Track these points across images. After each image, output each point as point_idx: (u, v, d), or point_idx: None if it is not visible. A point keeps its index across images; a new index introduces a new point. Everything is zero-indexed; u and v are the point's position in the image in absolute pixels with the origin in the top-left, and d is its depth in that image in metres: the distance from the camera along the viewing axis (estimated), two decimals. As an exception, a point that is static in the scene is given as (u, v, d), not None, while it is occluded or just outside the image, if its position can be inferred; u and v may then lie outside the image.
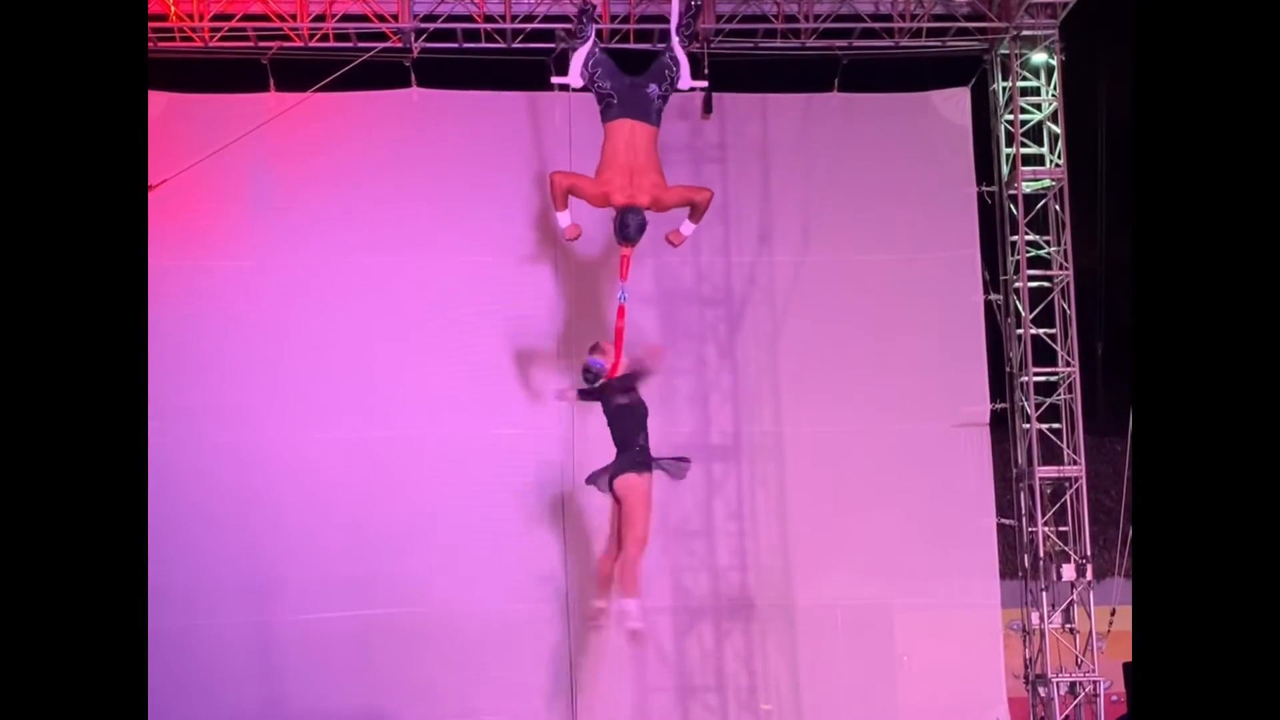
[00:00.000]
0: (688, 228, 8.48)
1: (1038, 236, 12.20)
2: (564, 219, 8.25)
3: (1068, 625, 11.88)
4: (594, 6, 8.14)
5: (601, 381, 8.70)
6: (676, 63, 8.08)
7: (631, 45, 11.68)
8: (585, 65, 8.04)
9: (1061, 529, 11.94)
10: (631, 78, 8.06)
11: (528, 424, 11.56)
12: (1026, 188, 12.16)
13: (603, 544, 8.63)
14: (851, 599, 11.75)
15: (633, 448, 8.51)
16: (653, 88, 8.02)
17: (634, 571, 8.40)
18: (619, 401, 8.57)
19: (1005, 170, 12.30)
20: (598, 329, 11.40)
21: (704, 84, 8.62)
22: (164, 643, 10.21)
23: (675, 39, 8.12)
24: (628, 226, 8.02)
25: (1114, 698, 12.07)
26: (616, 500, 8.49)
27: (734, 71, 12.06)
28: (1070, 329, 12.07)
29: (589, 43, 8.05)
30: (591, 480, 8.76)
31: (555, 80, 8.39)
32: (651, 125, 8.02)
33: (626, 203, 7.99)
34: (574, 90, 8.47)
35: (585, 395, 8.94)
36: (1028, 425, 12.02)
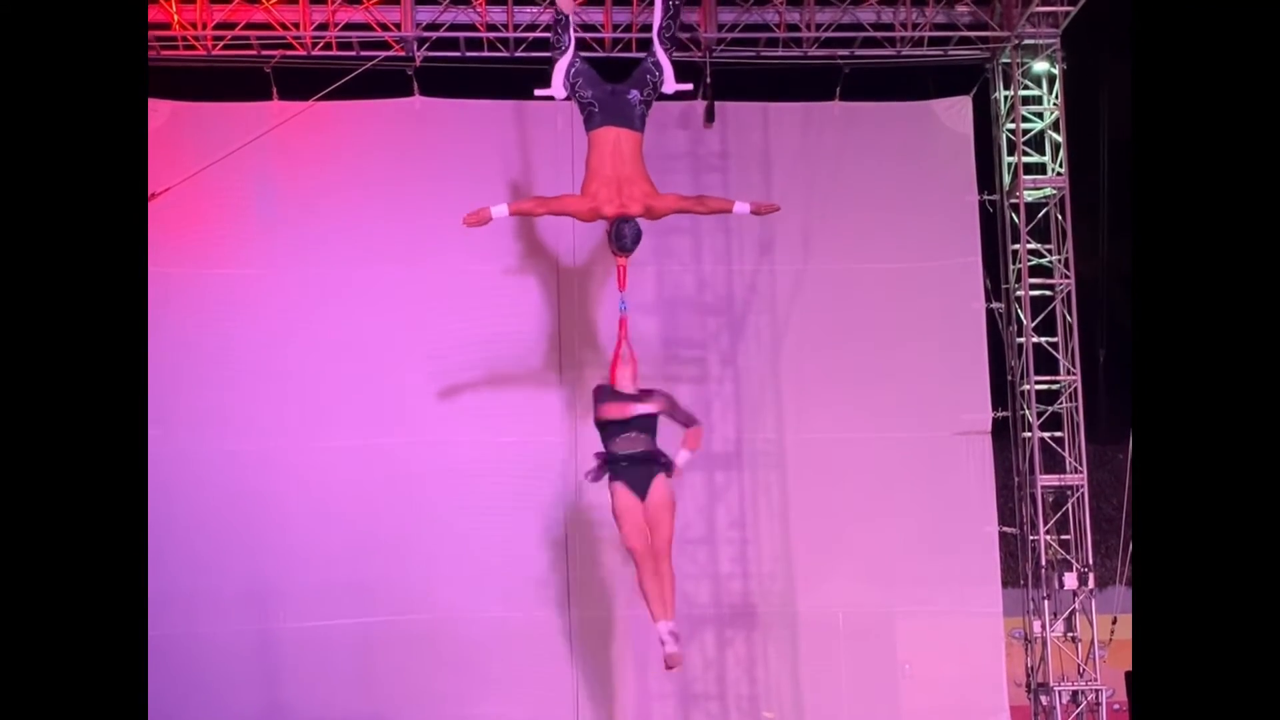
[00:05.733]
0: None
1: (1039, 245, 12.21)
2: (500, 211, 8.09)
3: (1070, 634, 11.88)
4: (567, 16, 8.12)
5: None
6: (659, 67, 8.06)
7: (634, 54, 11.70)
8: (567, 76, 8.05)
9: (1063, 537, 11.94)
10: (613, 85, 8.05)
11: (529, 432, 11.58)
12: (1028, 196, 12.18)
13: (641, 567, 8.33)
14: (853, 607, 11.76)
15: (647, 453, 8.34)
16: (634, 93, 8.00)
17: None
18: (641, 410, 8.36)
19: (1007, 179, 12.31)
20: (595, 336, 11.44)
21: (689, 86, 8.58)
22: (166, 650, 10.24)
23: (657, 44, 8.12)
24: (624, 237, 7.96)
25: (1116, 706, 12.06)
26: (644, 507, 8.23)
27: (736, 80, 12.09)
28: (1072, 337, 12.08)
29: (569, 53, 8.06)
30: (599, 477, 8.46)
31: (539, 92, 8.37)
32: (636, 131, 7.98)
33: (618, 213, 7.96)
34: (558, 100, 8.42)
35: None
36: (1029, 433, 12.02)
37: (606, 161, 7.95)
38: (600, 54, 11.67)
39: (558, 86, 8.12)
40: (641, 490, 8.13)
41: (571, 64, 8.07)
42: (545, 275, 11.87)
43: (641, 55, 8.39)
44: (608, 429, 8.28)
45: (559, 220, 10.89)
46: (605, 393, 8.38)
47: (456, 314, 11.71)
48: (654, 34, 8.18)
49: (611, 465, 8.23)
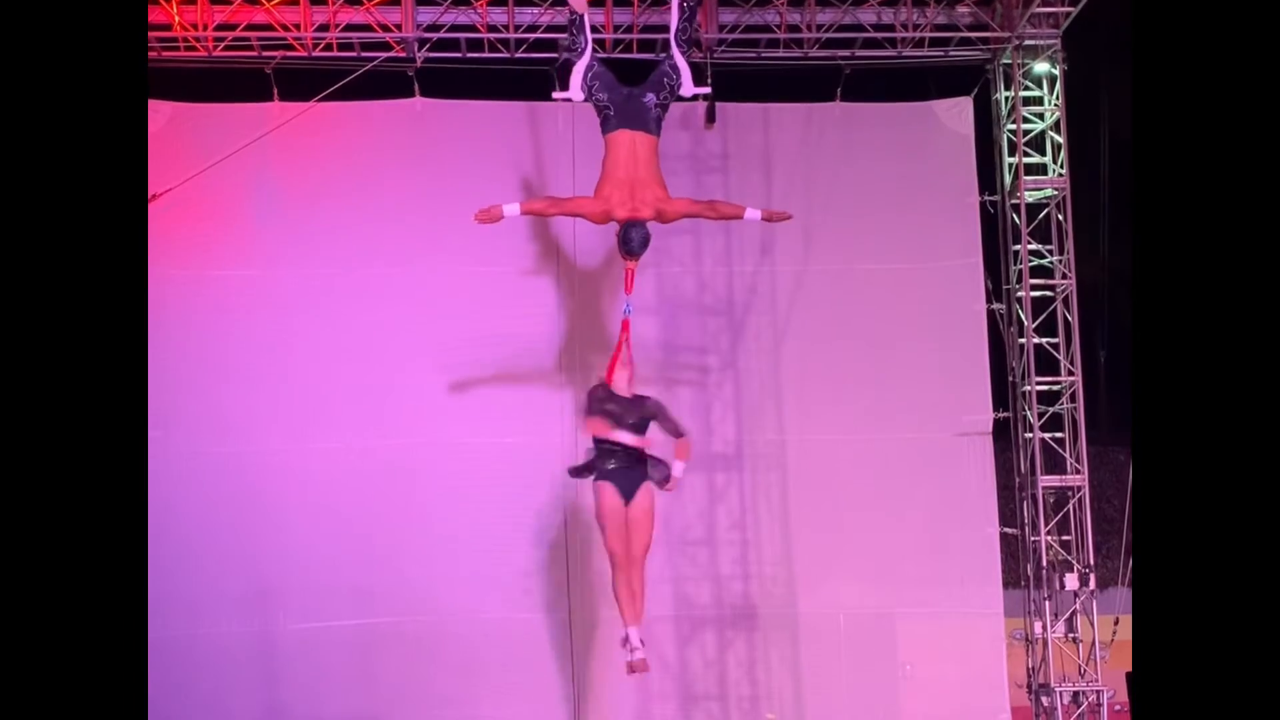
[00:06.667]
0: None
1: (1040, 246, 12.20)
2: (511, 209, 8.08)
3: (1071, 634, 11.88)
4: (581, 16, 8.10)
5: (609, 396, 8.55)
6: (677, 70, 8.06)
7: (635, 55, 11.70)
8: (584, 78, 8.04)
9: (1064, 538, 11.94)
10: (629, 88, 8.04)
11: (530, 433, 11.57)
12: (1029, 197, 12.17)
13: (616, 571, 8.46)
14: (854, 608, 11.75)
15: (638, 455, 8.38)
16: (650, 97, 8.00)
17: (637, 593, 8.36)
18: (625, 439, 8.42)
19: (1008, 179, 12.31)
20: (599, 339, 11.44)
21: (707, 90, 8.57)
22: (166, 652, 10.25)
23: (675, 47, 8.11)
24: (631, 240, 7.97)
25: (1117, 707, 12.06)
26: (628, 511, 8.34)
27: (736, 81, 12.08)
28: (1073, 338, 12.07)
29: (586, 55, 8.06)
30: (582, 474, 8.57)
31: (556, 95, 8.37)
32: (651, 135, 7.98)
33: (629, 216, 7.96)
34: (576, 103, 8.42)
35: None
36: (1030, 434, 12.01)
37: (621, 165, 7.95)
38: (600, 55, 11.64)
39: (575, 89, 8.12)
40: (629, 494, 8.17)
41: (589, 66, 8.07)
42: (547, 277, 11.86)
43: (643, 56, 8.38)
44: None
45: (563, 222, 10.93)
46: (602, 394, 8.39)
47: (456, 315, 11.70)
48: (671, 36, 8.17)
49: (600, 464, 8.27)
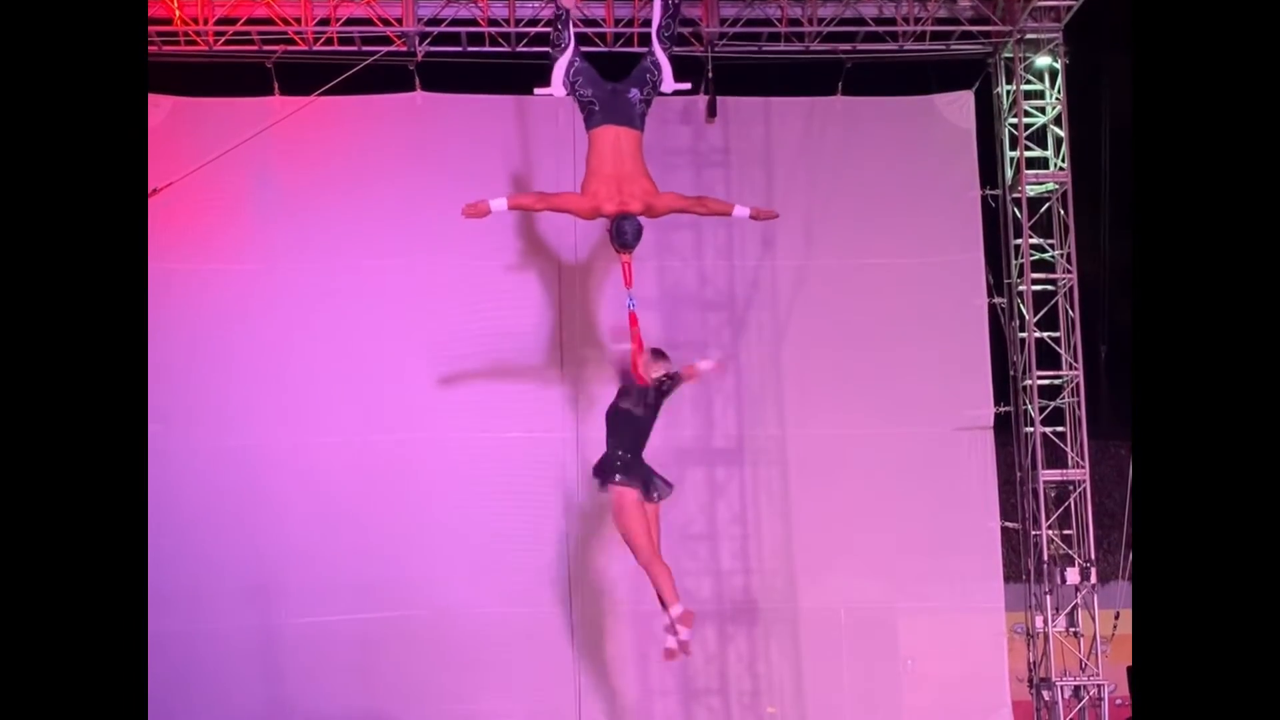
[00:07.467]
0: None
1: (1041, 240, 12.21)
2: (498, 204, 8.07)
3: (1072, 629, 11.89)
4: (567, 12, 8.10)
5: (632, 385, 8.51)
6: (658, 66, 8.05)
7: (636, 49, 11.70)
8: (567, 74, 8.03)
9: (1065, 532, 11.95)
10: (613, 84, 8.03)
11: (531, 428, 11.58)
12: (1030, 191, 12.18)
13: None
14: (855, 602, 11.75)
15: (625, 455, 8.37)
16: (634, 92, 8.00)
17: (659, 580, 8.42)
18: (631, 408, 8.42)
19: (1009, 173, 12.31)
20: (597, 333, 11.44)
21: (687, 85, 8.58)
22: (166, 645, 10.25)
23: (656, 43, 8.11)
24: (624, 233, 7.96)
25: (1118, 701, 12.07)
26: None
27: (737, 75, 12.09)
28: (1074, 332, 12.08)
29: (569, 51, 8.05)
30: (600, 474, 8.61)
31: (538, 91, 8.36)
32: (635, 130, 7.97)
33: (618, 211, 7.96)
34: (558, 98, 8.40)
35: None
36: (1031, 429, 12.02)
37: (606, 160, 7.94)
38: (602, 48, 11.68)
39: (557, 85, 8.11)
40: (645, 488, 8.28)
41: (571, 62, 8.05)
42: (547, 271, 11.86)
43: (644, 50, 8.37)
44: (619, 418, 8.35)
45: (561, 217, 10.87)
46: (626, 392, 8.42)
47: (458, 309, 11.70)
48: (653, 33, 8.17)
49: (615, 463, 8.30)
